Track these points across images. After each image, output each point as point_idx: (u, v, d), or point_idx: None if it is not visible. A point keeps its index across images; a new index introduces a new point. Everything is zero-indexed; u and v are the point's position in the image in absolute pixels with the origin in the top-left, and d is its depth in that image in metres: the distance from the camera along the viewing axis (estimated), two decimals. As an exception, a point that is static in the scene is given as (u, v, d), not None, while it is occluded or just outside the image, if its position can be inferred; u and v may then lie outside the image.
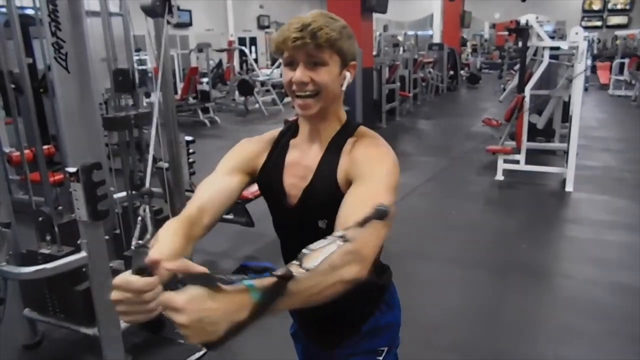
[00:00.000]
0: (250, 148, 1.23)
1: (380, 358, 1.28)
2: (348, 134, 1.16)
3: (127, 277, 0.80)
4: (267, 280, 0.71)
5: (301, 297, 0.75)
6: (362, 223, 0.79)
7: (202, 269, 0.73)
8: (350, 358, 1.27)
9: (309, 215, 1.14)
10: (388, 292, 1.32)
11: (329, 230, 1.08)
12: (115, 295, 0.79)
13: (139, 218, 1.04)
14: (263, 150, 1.22)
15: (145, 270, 0.81)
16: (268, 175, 1.21)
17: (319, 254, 0.75)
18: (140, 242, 0.92)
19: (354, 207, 0.95)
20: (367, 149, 1.10)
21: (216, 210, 1.10)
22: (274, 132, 1.26)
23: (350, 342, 1.27)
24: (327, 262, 0.76)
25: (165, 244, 0.93)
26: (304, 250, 0.76)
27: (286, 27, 1.06)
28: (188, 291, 0.69)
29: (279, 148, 1.22)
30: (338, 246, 0.77)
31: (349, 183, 1.07)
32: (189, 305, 0.68)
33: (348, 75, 1.12)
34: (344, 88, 1.13)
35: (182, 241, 0.96)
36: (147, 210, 1.08)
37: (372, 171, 1.04)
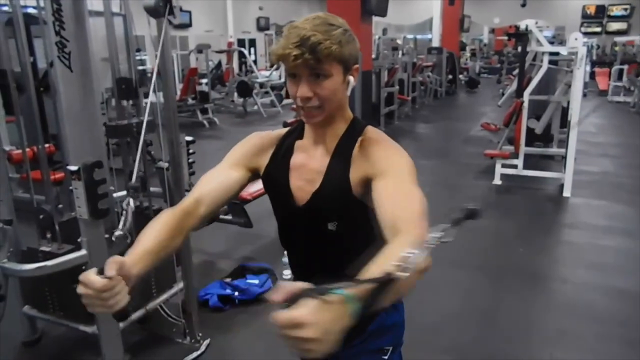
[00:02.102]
0: (257, 144, 1.25)
1: (386, 357, 1.28)
2: (355, 134, 1.16)
3: (89, 277, 0.87)
4: (366, 287, 0.69)
5: (394, 296, 0.74)
6: (455, 223, 0.81)
7: (303, 285, 0.69)
8: (356, 358, 1.25)
9: (318, 217, 1.16)
10: None
11: (338, 232, 1.14)
12: (80, 289, 0.87)
13: (123, 210, 1.11)
14: (269, 147, 1.24)
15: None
16: (274, 176, 1.22)
17: (414, 253, 0.75)
18: (120, 232, 1.01)
19: (395, 201, 0.98)
20: (379, 147, 1.11)
21: (214, 202, 1.17)
22: (282, 131, 1.27)
23: (356, 342, 1.26)
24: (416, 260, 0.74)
25: (148, 237, 1.03)
26: (404, 252, 0.74)
27: (285, 40, 1.04)
28: (305, 305, 0.66)
29: (283, 149, 1.22)
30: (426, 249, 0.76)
31: (364, 183, 1.08)
32: (315, 317, 0.64)
33: (352, 79, 1.12)
34: (348, 93, 1.14)
35: (168, 233, 1.05)
36: (131, 203, 1.16)
37: (394, 165, 1.06)
